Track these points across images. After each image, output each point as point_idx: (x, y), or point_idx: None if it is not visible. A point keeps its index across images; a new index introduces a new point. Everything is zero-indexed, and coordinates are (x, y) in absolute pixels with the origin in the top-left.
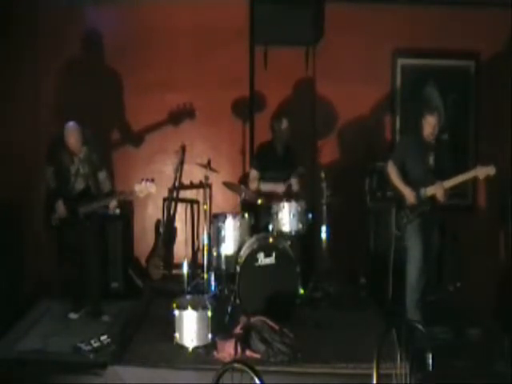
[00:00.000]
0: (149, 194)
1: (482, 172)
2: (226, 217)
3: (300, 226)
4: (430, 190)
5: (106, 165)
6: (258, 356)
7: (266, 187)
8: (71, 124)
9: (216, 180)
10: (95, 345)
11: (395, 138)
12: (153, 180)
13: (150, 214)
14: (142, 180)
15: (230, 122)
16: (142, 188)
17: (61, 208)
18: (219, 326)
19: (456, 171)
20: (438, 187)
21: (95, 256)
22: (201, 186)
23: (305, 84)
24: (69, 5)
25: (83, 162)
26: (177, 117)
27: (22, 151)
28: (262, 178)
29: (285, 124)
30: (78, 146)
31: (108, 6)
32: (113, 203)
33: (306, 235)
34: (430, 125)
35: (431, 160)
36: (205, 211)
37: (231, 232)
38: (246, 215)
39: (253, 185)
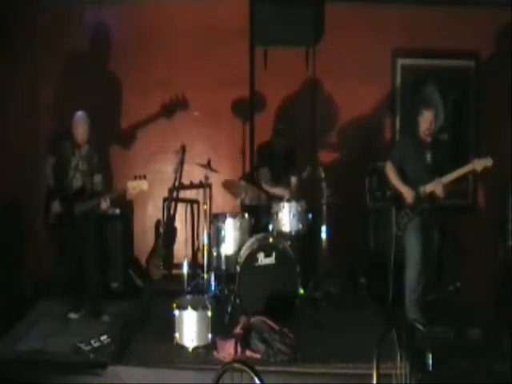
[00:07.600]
0: (141, 190)
1: (480, 164)
2: (226, 217)
3: (300, 226)
4: (428, 188)
5: (104, 169)
6: (258, 356)
7: (275, 190)
8: (80, 114)
9: (216, 180)
10: (95, 345)
11: (395, 137)
12: (145, 177)
13: (150, 213)
14: (135, 177)
15: (229, 121)
16: (134, 185)
17: (56, 206)
18: (219, 326)
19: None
20: (436, 184)
21: (95, 256)
22: (201, 186)
23: (305, 84)
24: (69, 5)
25: (83, 159)
26: (169, 109)
27: (22, 151)
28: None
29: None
30: (83, 137)
31: (108, 7)
32: (105, 204)
33: (306, 235)
34: (426, 120)
35: (429, 158)
36: (205, 211)
37: (231, 232)
38: (246, 215)
39: (265, 184)
